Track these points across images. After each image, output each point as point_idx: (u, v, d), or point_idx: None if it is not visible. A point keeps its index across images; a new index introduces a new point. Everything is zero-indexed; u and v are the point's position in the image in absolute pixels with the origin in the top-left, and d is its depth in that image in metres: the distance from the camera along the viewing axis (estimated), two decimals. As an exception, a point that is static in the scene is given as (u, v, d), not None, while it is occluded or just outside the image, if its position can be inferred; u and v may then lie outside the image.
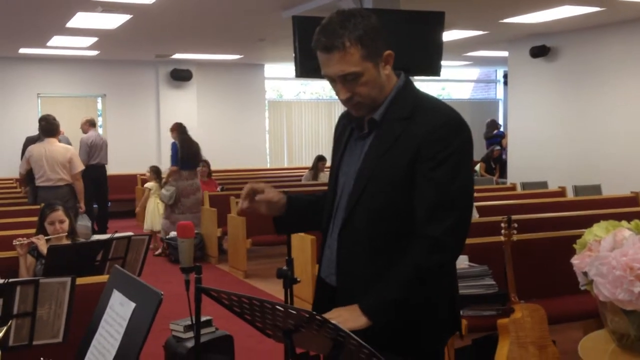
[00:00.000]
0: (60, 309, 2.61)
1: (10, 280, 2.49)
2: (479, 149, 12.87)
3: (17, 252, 3.84)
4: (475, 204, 5.45)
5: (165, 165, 8.90)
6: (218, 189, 8.86)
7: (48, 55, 11.20)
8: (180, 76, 12.53)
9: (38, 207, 5.98)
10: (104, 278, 3.29)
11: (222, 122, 13.29)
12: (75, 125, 10.02)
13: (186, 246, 2.07)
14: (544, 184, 8.61)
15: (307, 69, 5.98)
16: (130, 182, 11.21)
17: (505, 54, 11.10)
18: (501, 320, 3.45)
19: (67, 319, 2.61)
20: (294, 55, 6.05)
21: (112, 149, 9.34)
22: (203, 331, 3.67)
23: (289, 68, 14.12)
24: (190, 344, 3.60)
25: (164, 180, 8.34)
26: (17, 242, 3.84)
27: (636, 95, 8.71)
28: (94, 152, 8.97)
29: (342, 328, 1.42)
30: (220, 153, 12.79)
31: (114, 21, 8.00)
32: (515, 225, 3.58)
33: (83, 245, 3.87)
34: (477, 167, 12.45)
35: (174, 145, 8.23)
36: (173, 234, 7.85)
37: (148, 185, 8.37)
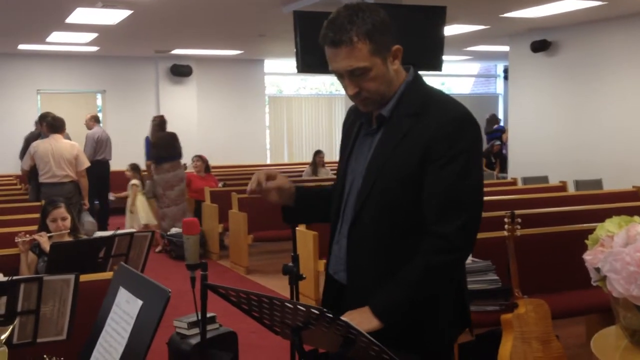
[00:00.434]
0: (64, 307, 2.60)
1: (14, 277, 2.49)
2: (480, 144, 12.85)
3: (19, 249, 3.83)
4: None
5: None
6: (220, 184, 8.84)
7: (47, 52, 11.17)
8: (180, 72, 12.51)
9: (40, 204, 5.98)
10: (107, 275, 3.28)
11: (222, 117, 13.27)
12: (75, 122, 10.01)
13: (191, 243, 2.06)
14: (544, 179, 8.60)
15: (308, 64, 5.97)
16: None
17: (505, 48, 11.08)
18: (505, 316, 3.43)
19: (71, 317, 2.60)
20: (295, 50, 6.04)
21: (112, 144, 9.35)
22: (207, 328, 3.67)
23: (289, 63, 14.11)
24: (194, 340, 3.59)
25: (146, 175, 8.39)
26: (19, 239, 3.83)
27: (637, 90, 8.70)
28: (100, 148, 9.00)
29: (352, 325, 1.42)
30: (221, 149, 12.79)
31: (114, 17, 7.97)
32: (519, 220, 3.56)
33: (86, 243, 3.86)
34: (478, 162, 12.42)
35: (146, 139, 8.29)
36: (174, 230, 7.85)
37: (133, 182, 8.32)
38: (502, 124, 14.04)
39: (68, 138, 8.24)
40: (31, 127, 9.55)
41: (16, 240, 3.84)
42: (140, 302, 1.60)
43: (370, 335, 1.44)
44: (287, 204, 2.04)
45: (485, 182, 8.43)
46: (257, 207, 6.79)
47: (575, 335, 4.46)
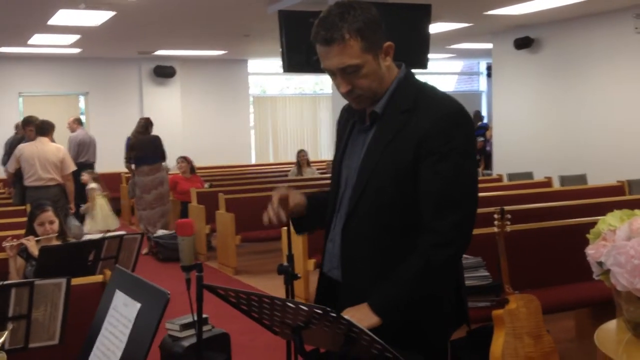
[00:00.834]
0: (55, 311, 2.57)
1: (5, 282, 2.46)
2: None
3: (6, 254, 3.79)
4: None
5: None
6: (205, 185, 8.80)
7: (29, 54, 11.07)
8: (164, 73, 12.45)
9: (24, 207, 5.91)
10: (97, 278, 3.26)
11: (206, 118, 13.23)
12: (58, 124, 9.87)
13: (186, 244, 2.05)
14: (529, 175, 8.65)
15: (294, 63, 5.97)
16: (114, 180, 11.10)
17: (488, 46, 11.14)
18: (496, 311, 3.44)
19: (62, 321, 2.57)
20: (280, 50, 6.03)
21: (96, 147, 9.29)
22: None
23: (273, 63, 14.08)
24: (186, 342, 3.57)
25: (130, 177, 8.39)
26: (7, 244, 3.79)
27: (619, 85, 8.78)
28: (82, 150, 8.92)
29: (355, 324, 1.41)
30: (205, 150, 12.74)
31: (97, 18, 7.90)
32: (509, 216, 3.58)
33: (75, 246, 3.83)
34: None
35: (127, 139, 8.29)
36: (160, 232, 7.80)
37: (91, 186, 8.14)
38: (485, 121, 14.13)
39: (52, 141, 8.16)
40: (12, 131, 9.44)
41: (4, 245, 3.79)
42: (138, 305, 1.59)
43: (371, 333, 1.44)
44: (300, 215, 2.04)
45: (472, 179, 8.47)
46: (245, 208, 6.77)
47: (565, 329, 4.49)
